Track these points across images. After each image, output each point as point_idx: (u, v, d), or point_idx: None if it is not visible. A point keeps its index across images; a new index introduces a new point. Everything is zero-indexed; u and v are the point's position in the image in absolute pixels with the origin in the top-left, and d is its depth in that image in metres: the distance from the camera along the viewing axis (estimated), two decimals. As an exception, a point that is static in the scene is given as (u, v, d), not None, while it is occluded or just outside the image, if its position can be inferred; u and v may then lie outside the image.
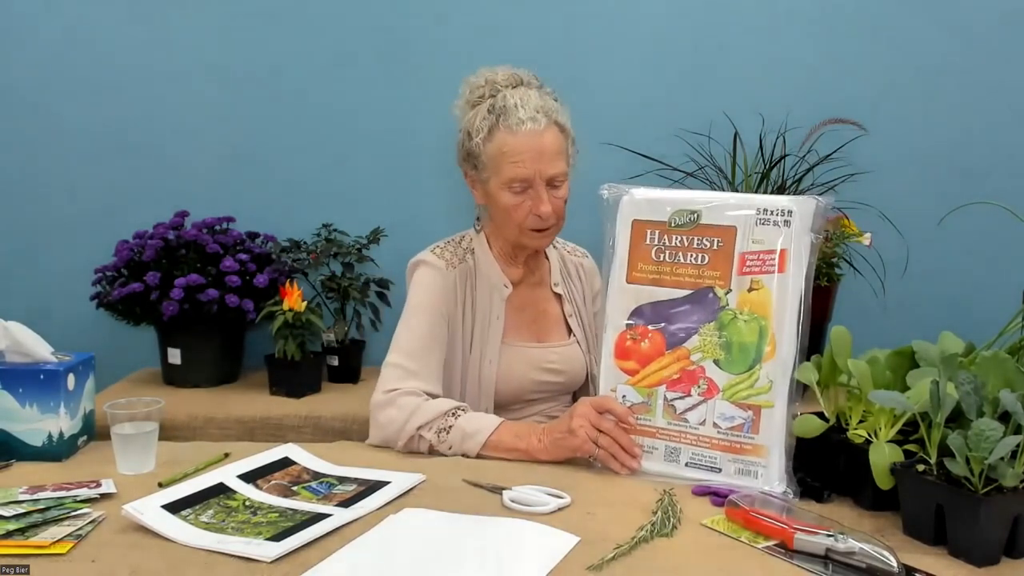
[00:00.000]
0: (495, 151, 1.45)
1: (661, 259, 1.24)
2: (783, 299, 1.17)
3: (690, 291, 1.23)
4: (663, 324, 1.24)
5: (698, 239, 1.22)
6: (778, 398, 1.18)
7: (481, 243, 1.58)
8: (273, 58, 2.29)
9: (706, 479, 1.20)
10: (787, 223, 1.17)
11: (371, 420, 1.42)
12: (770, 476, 1.17)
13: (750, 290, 1.19)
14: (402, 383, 1.40)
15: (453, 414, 1.35)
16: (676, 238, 1.24)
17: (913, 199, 2.26)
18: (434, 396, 1.42)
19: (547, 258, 1.64)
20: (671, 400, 1.23)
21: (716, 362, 1.21)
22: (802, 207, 1.18)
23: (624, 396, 1.26)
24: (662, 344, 1.24)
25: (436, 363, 1.46)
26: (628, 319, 1.26)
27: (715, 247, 1.21)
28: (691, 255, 1.22)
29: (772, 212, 1.19)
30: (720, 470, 1.20)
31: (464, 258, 1.55)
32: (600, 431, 1.25)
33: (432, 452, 1.35)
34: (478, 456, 1.33)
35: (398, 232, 2.25)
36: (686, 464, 1.22)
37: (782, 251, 1.17)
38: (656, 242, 1.25)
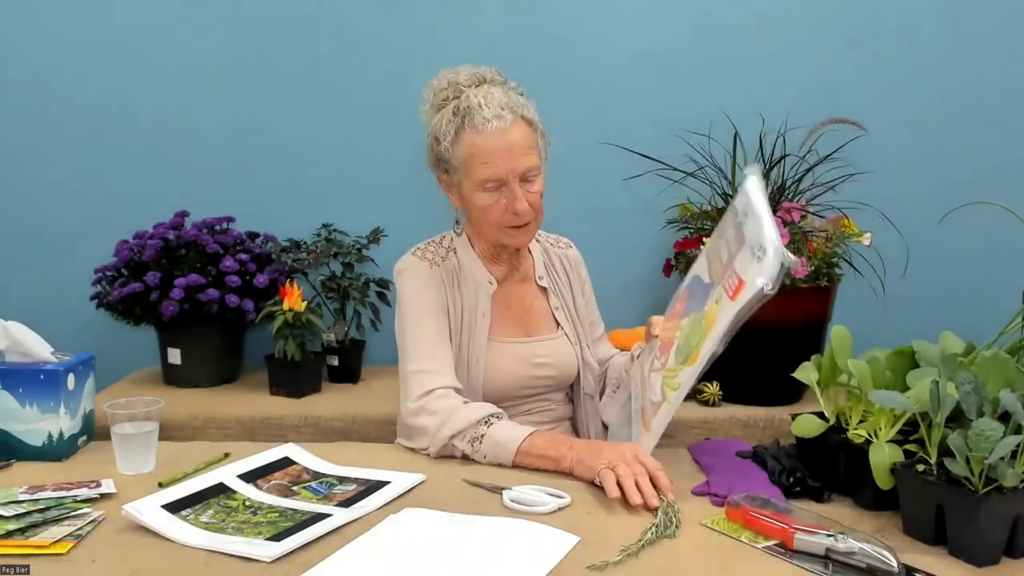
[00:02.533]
0: (464, 153, 1.44)
1: (718, 250, 1.28)
2: (721, 323, 1.16)
3: (710, 282, 1.28)
4: (692, 298, 1.31)
5: (726, 242, 1.24)
6: (676, 401, 1.23)
7: (463, 243, 1.57)
8: (273, 58, 2.29)
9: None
10: (760, 260, 1.13)
11: (403, 429, 1.43)
12: None
13: (716, 301, 1.21)
14: (426, 385, 1.39)
15: (486, 422, 1.33)
16: (728, 233, 1.25)
17: (913, 199, 2.26)
18: (458, 388, 1.42)
19: (530, 252, 1.63)
20: (653, 356, 1.35)
21: (678, 345, 1.27)
22: (774, 256, 1.12)
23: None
24: (681, 311, 1.32)
25: (450, 355, 1.46)
26: (686, 285, 1.36)
27: (730, 253, 1.23)
28: (724, 252, 1.25)
29: (758, 247, 1.14)
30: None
31: (447, 256, 1.55)
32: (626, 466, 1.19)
33: (466, 459, 1.33)
34: (514, 465, 1.30)
35: (398, 232, 2.24)
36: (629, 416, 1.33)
37: (742, 282, 1.16)
38: (720, 236, 1.28)
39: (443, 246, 1.57)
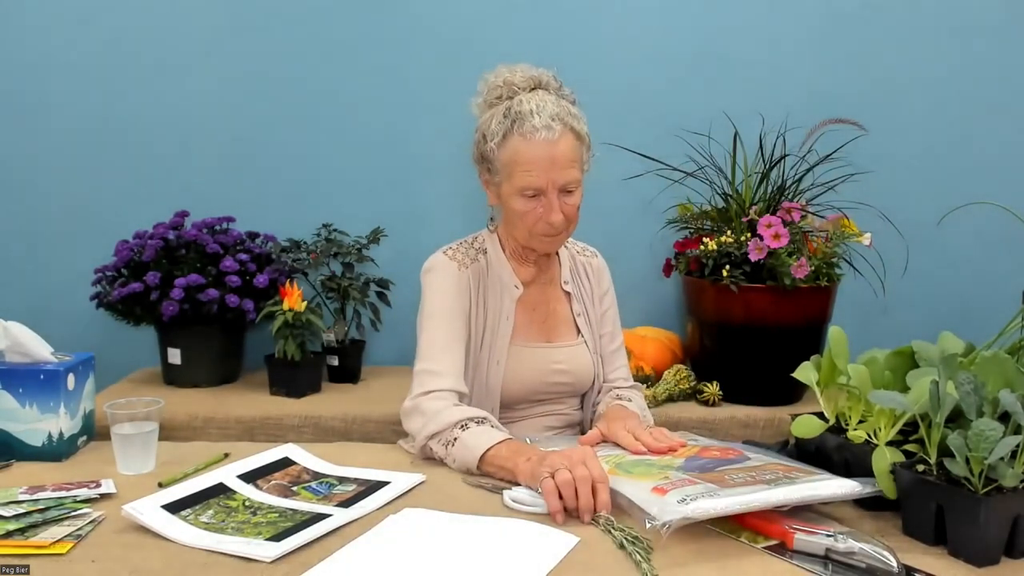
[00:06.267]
0: (508, 158, 1.44)
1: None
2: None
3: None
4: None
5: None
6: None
7: (494, 243, 1.58)
8: (273, 57, 2.29)
9: None
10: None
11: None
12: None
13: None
14: (427, 386, 1.39)
15: (462, 426, 1.30)
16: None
17: (913, 199, 2.26)
18: (460, 392, 1.42)
19: (558, 257, 1.63)
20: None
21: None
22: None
23: None
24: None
25: (459, 359, 1.45)
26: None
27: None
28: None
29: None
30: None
31: (476, 258, 1.55)
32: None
33: (443, 462, 1.33)
34: (481, 472, 1.26)
35: (398, 232, 2.25)
36: None
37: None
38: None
39: (474, 247, 1.57)
